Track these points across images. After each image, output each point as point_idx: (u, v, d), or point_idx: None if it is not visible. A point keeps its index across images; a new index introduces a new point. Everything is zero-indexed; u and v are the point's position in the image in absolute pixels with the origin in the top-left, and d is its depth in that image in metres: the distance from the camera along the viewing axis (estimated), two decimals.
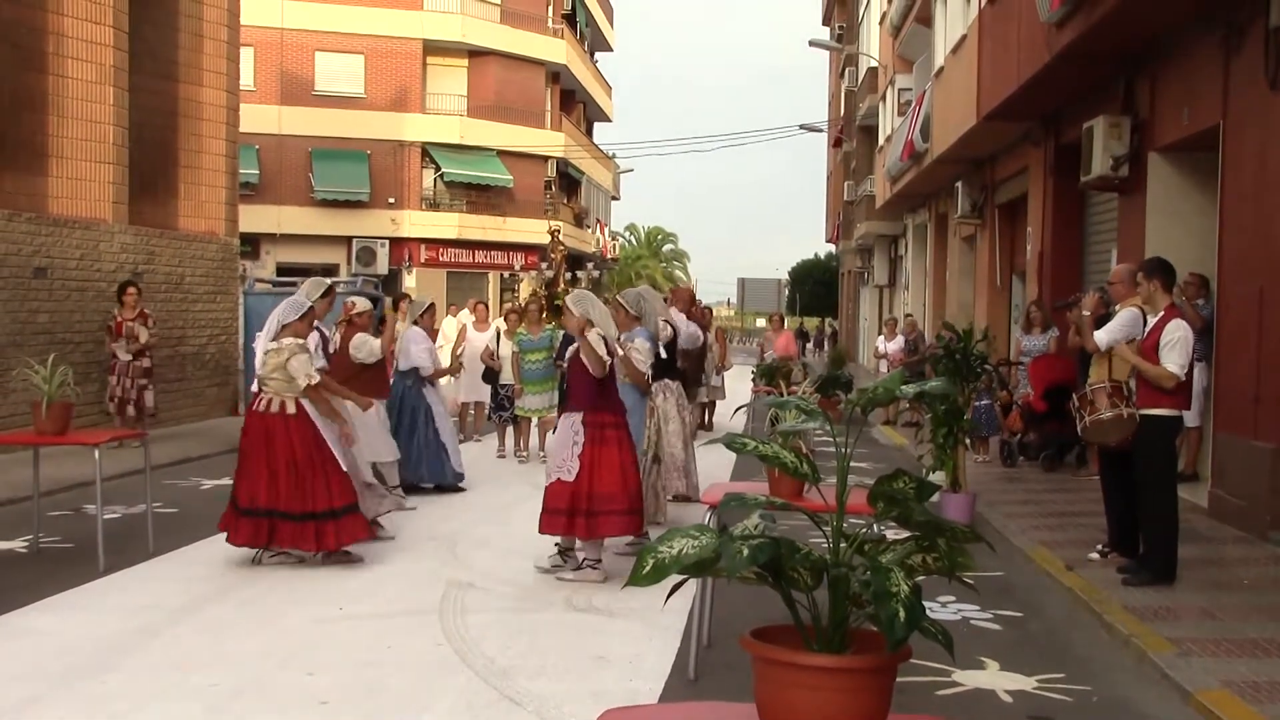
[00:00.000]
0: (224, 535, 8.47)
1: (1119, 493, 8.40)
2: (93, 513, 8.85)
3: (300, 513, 8.19)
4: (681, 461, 10.02)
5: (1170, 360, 7.64)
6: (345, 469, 8.45)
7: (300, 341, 8.36)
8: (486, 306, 17.85)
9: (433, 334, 12.37)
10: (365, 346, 10.24)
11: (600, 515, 7.87)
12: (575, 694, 5.63)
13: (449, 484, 11.93)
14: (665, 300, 11.41)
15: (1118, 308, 8.52)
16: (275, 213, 36.51)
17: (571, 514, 7.87)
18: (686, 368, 10.52)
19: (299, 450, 8.26)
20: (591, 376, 8.00)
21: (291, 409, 8.30)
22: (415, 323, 11.90)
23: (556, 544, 8.27)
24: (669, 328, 9.91)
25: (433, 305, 12.37)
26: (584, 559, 8.14)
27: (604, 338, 8.02)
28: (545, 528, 8.04)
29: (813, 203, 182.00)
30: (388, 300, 19.38)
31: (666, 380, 9.89)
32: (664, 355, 9.50)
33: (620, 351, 8.62)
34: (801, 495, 5.67)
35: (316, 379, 8.35)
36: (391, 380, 11.42)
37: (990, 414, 14.33)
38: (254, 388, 8.57)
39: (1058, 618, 7.50)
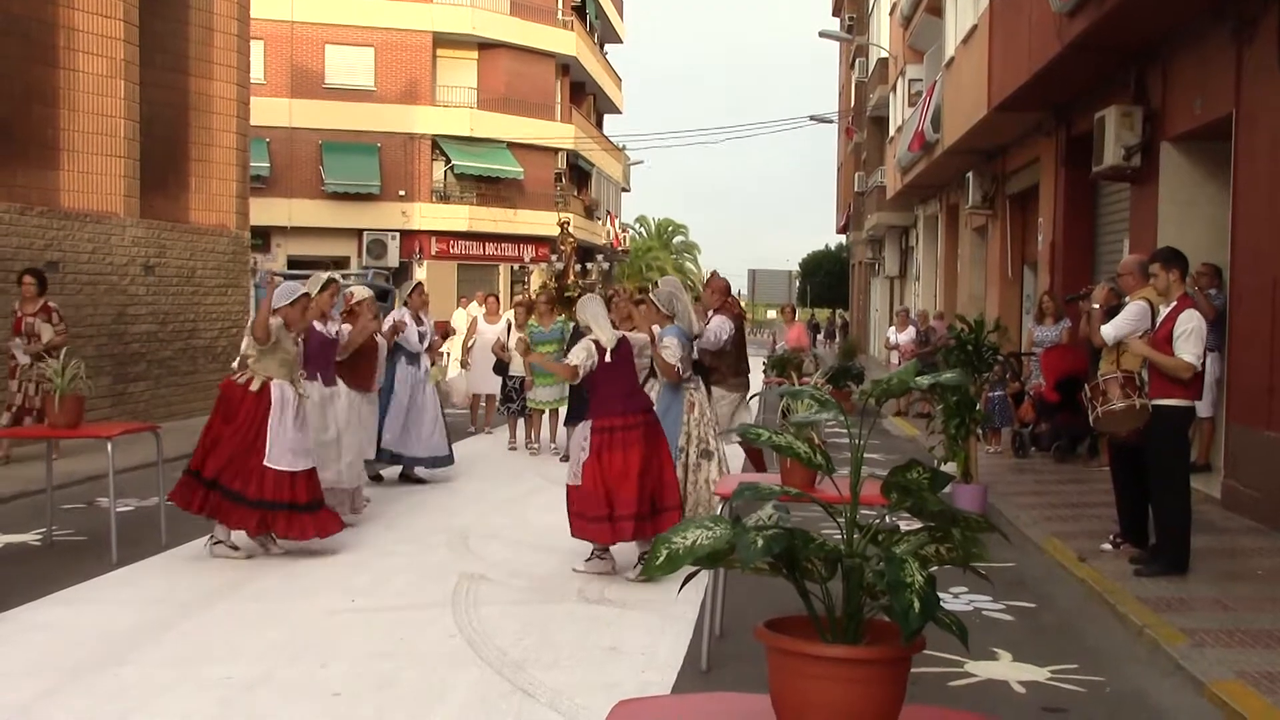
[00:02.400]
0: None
1: (1130, 484, 8.37)
2: (105, 506, 8.89)
3: (245, 496, 8.20)
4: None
5: (1185, 351, 7.60)
6: (312, 464, 8.50)
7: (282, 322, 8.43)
8: (497, 299, 17.85)
9: (425, 310, 12.46)
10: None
11: (620, 521, 7.82)
12: (588, 685, 5.64)
13: (439, 460, 12.01)
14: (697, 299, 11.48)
15: (1128, 299, 8.47)
16: (286, 205, 36.55)
17: (598, 520, 7.83)
18: (719, 363, 10.51)
19: (251, 425, 8.27)
20: (601, 381, 8.00)
21: (255, 386, 8.35)
22: (405, 303, 12.21)
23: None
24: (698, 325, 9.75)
25: (419, 285, 12.81)
26: (593, 550, 8.14)
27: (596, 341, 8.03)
28: (575, 533, 8.00)
29: (823, 194, 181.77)
30: (398, 292, 19.37)
31: (696, 377, 9.73)
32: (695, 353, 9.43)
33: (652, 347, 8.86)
34: (813, 486, 5.66)
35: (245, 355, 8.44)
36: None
37: (1003, 405, 14.30)
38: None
39: (1070, 609, 7.48)
